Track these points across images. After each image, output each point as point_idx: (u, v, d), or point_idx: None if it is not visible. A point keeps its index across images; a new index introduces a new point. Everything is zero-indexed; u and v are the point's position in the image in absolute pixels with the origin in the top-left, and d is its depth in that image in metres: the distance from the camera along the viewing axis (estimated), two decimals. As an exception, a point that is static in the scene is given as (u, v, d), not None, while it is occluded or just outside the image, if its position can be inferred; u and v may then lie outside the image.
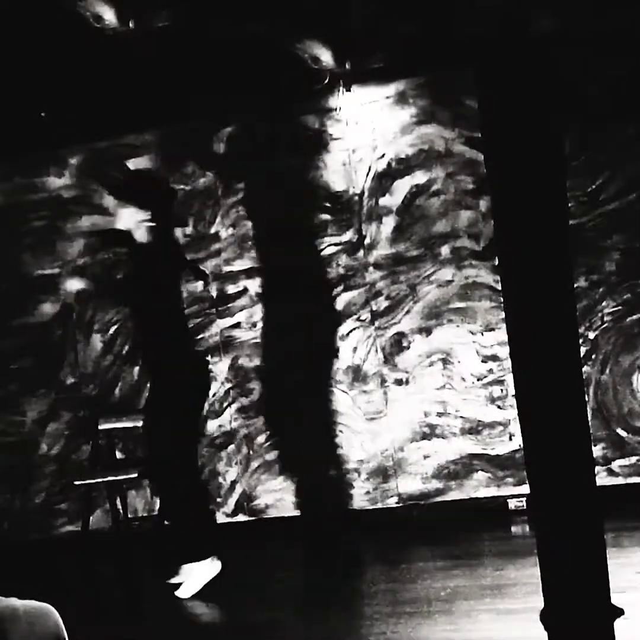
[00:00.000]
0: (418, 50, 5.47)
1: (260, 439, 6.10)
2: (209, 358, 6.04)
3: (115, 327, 6.27)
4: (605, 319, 5.60)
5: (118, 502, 5.84)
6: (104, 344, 6.29)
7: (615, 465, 5.58)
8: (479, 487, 5.79)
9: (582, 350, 5.49)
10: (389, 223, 5.89)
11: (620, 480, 5.57)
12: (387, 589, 4.76)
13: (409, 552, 5.34)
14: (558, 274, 2.55)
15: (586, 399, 5.47)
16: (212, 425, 6.14)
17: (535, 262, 2.53)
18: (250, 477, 6.12)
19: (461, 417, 5.80)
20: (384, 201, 5.88)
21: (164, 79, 5.49)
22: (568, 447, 2.55)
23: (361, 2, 4.95)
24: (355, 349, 5.96)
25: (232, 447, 6.14)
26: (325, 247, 5.98)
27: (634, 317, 5.57)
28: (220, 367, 6.12)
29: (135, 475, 5.50)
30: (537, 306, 2.55)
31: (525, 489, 5.60)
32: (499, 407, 5.74)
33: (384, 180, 5.89)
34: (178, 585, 4.99)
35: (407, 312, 5.87)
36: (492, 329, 5.72)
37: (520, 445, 5.56)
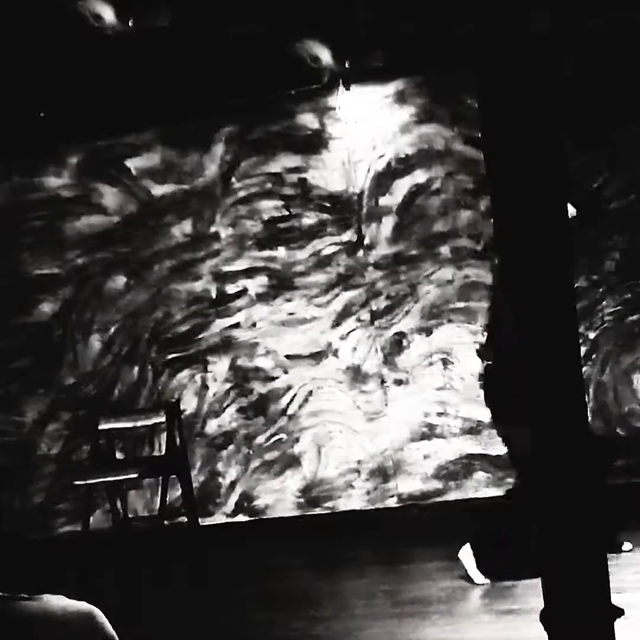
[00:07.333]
0: (418, 49, 5.47)
1: (260, 439, 6.09)
2: (208, 358, 6.05)
3: (115, 327, 6.27)
4: (605, 319, 5.59)
5: (118, 502, 5.83)
6: (104, 344, 6.29)
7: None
8: (479, 487, 5.79)
9: (582, 350, 5.49)
10: (388, 223, 5.88)
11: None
12: (387, 589, 4.75)
13: (409, 552, 5.34)
14: (558, 274, 2.55)
15: (586, 399, 5.46)
16: (212, 425, 6.14)
17: (535, 262, 2.53)
18: (250, 477, 6.12)
19: (461, 417, 5.79)
20: (383, 201, 5.88)
21: (164, 79, 5.49)
22: (568, 447, 2.54)
23: (361, 2, 4.95)
24: (355, 349, 5.96)
25: (232, 447, 6.13)
26: (325, 247, 5.97)
27: (634, 317, 5.57)
28: (220, 367, 6.12)
29: (135, 475, 5.50)
30: (537, 306, 2.55)
31: (525, 489, 5.59)
32: (499, 407, 5.73)
33: (383, 180, 5.88)
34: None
35: (407, 312, 5.86)
36: (492, 329, 5.70)
37: (520, 445, 5.55)
